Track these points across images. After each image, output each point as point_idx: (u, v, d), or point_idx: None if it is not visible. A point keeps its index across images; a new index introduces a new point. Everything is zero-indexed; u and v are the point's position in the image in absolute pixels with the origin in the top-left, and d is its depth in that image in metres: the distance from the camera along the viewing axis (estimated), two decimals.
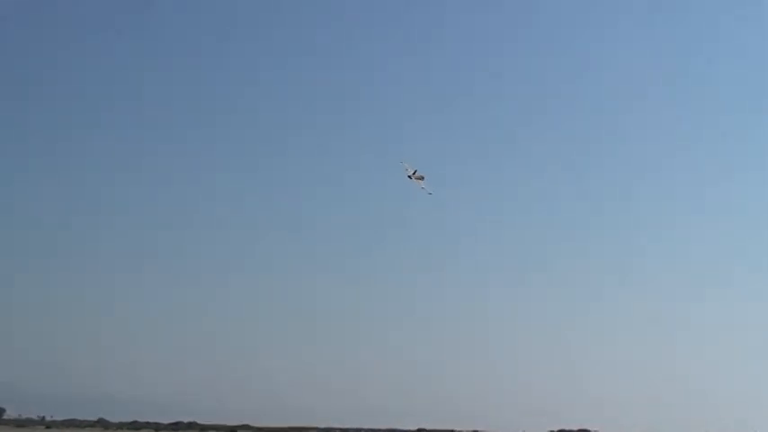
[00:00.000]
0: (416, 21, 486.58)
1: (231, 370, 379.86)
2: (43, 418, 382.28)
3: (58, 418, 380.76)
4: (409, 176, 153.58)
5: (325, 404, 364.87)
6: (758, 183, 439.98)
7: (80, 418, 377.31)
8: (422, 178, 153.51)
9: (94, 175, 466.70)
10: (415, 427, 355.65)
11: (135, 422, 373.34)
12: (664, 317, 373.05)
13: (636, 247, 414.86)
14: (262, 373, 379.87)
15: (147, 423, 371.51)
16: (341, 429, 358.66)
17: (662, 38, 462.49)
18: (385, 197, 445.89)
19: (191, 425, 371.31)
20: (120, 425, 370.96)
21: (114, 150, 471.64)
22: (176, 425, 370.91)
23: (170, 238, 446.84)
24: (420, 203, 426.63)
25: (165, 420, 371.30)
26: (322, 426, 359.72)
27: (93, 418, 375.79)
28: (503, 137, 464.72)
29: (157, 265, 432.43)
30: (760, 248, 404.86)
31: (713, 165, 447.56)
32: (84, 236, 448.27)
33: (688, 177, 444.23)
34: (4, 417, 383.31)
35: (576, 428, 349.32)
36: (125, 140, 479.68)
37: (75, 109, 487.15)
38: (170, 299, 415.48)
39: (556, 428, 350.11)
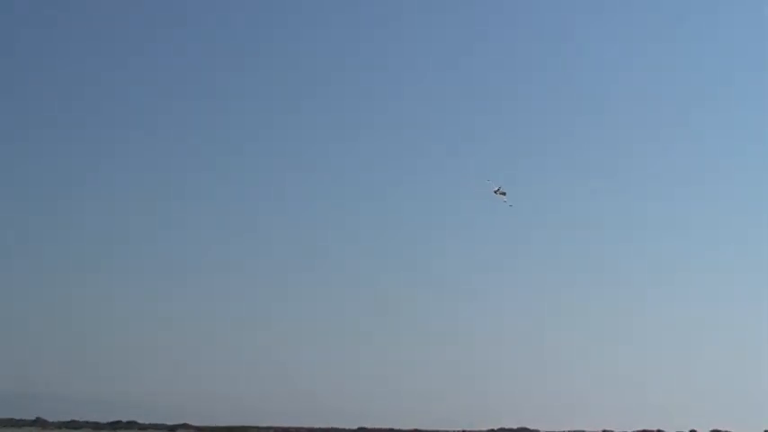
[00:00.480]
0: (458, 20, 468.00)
1: (171, 369, 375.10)
2: None
3: None
4: (495, 192, 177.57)
5: (265, 403, 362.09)
6: (759, 183, 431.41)
7: (17, 416, 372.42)
8: (504, 193, 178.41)
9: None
10: (356, 426, 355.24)
11: (73, 421, 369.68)
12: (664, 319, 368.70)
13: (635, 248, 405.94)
14: (201, 372, 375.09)
15: (86, 422, 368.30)
16: (281, 428, 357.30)
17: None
18: (379, 200, 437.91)
19: (130, 424, 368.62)
20: (59, 424, 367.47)
21: (115, 150, 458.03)
22: (115, 424, 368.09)
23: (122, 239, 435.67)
24: (421, 209, 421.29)
25: (104, 419, 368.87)
26: (263, 425, 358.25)
27: (31, 416, 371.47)
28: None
29: (99, 262, 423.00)
30: (760, 249, 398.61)
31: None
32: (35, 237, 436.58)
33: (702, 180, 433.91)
34: None
35: (516, 427, 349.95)
36: (127, 141, 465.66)
37: (73, 108, 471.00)
38: (108, 297, 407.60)
39: (496, 427, 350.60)
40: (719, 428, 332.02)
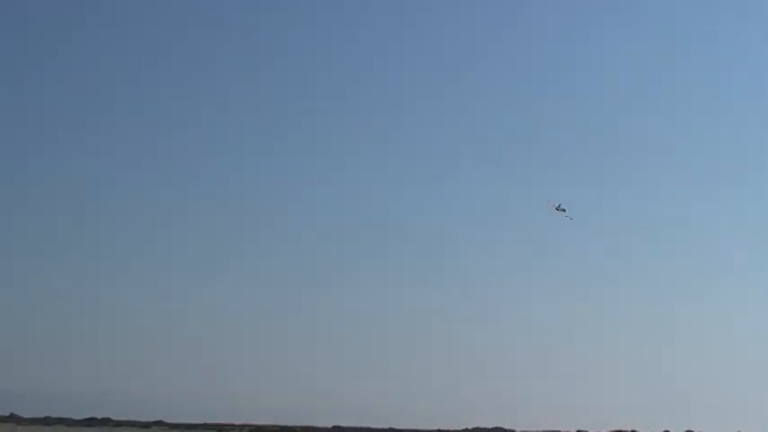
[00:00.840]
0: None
1: (145, 365, 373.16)
2: None
3: None
4: (555, 209, 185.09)
5: (240, 401, 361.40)
6: (757, 184, 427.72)
7: None
8: (564, 210, 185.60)
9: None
10: (331, 425, 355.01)
11: (47, 417, 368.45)
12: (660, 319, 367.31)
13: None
14: (176, 368, 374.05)
15: (60, 418, 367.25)
16: (256, 426, 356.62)
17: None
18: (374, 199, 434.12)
19: (104, 420, 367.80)
20: (33, 420, 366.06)
21: (113, 148, 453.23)
22: (90, 420, 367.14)
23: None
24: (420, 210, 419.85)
25: (78, 416, 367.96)
26: (237, 422, 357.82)
27: (5, 413, 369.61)
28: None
29: (72, 259, 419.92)
30: (758, 249, 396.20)
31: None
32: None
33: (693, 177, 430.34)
34: None
35: (491, 426, 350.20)
36: (124, 138, 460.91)
37: (70, 107, 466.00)
38: (80, 294, 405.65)
39: (471, 426, 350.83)
40: (693, 429, 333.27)
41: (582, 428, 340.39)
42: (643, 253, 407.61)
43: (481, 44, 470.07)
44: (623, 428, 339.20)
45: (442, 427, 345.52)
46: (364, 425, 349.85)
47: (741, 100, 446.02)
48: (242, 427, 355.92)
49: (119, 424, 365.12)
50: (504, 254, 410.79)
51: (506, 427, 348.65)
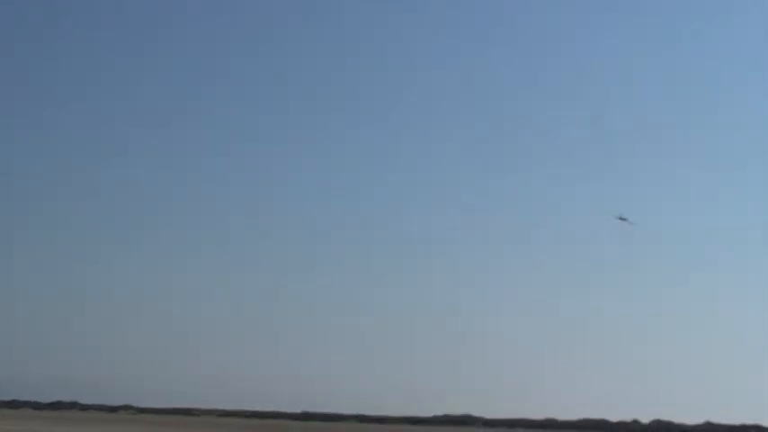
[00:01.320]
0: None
1: (113, 350, 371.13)
2: None
3: None
4: (619, 219, 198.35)
5: (208, 386, 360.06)
6: (748, 180, 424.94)
7: None
8: (625, 219, 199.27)
9: None
10: (300, 410, 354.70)
11: (14, 401, 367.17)
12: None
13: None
14: (144, 353, 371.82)
15: (27, 402, 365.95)
16: (224, 411, 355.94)
17: None
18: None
19: (71, 405, 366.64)
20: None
21: (115, 141, 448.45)
22: (57, 404, 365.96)
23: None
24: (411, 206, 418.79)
25: (46, 400, 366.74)
26: (205, 407, 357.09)
27: None
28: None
29: (34, 246, 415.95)
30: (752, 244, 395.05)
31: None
32: None
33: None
34: None
35: (460, 414, 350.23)
36: (127, 134, 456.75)
37: (80, 98, 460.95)
38: (48, 278, 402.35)
39: (441, 413, 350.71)
40: (661, 418, 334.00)
41: (550, 416, 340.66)
42: (637, 251, 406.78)
43: (481, 44, 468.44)
44: (591, 417, 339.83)
45: (411, 415, 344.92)
46: (333, 411, 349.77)
47: (741, 99, 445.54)
48: (210, 412, 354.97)
49: (86, 408, 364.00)
50: (481, 244, 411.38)
51: (475, 414, 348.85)
